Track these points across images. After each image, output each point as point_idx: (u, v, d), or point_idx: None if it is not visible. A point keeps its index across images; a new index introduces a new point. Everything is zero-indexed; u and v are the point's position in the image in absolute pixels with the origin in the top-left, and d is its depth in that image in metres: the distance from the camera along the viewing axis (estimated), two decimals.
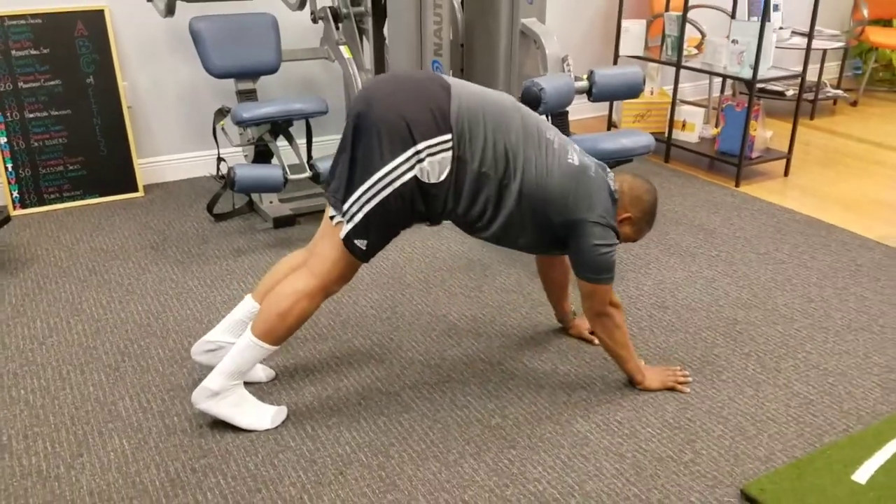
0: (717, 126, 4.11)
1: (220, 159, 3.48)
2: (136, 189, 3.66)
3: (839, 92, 5.11)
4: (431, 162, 1.84)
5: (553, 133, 2.03)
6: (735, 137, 3.95)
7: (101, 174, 3.58)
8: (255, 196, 3.48)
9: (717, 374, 2.31)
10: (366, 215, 1.86)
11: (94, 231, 3.27)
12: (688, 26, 4.10)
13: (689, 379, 2.28)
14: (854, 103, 5.29)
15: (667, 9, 4.44)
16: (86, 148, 3.54)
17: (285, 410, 2.11)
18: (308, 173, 3.21)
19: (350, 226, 1.87)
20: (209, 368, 2.15)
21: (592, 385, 2.26)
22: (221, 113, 3.42)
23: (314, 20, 3.54)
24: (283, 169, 3.14)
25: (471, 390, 2.23)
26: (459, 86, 1.92)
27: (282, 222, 3.36)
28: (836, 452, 1.95)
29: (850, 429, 2.07)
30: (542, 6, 3.13)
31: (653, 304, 2.70)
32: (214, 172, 3.90)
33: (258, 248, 3.13)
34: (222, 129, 3.43)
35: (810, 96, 4.99)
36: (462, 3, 3.44)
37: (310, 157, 3.48)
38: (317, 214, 3.48)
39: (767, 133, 4.08)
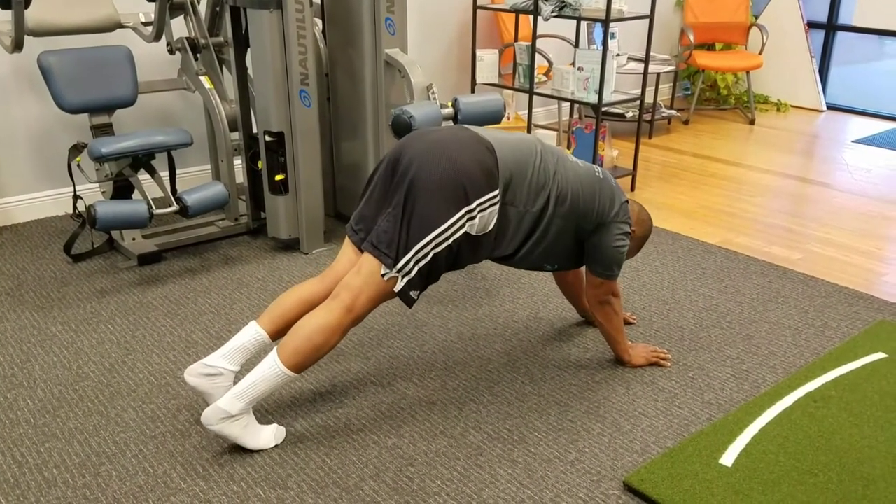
0: (569, 147, 4.37)
1: (76, 197, 3.32)
2: None
3: (673, 112, 5.57)
4: (482, 216, 2.04)
5: (573, 157, 2.28)
6: (586, 157, 4.22)
7: None
8: (115, 233, 3.34)
9: (591, 375, 2.47)
10: (420, 270, 2.01)
11: None
12: (536, 55, 4.35)
13: (669, 355, 2.57)
14: (686, 122, 5.78)
15: (515, 39, 4.69)
16: None
17: (283, 430, 2.15)
18: (175, 207, 3.13)
19: (405, 281, 2.02)
20: (186, 394, 2.11)
21: (481, 398, 2.35)
22: (77, 149, 3.27)
23: (171, 52, 3.47)
24: (148, 203, 3.05)
25: (364, 413, 2.26)
26: (498, 141, 2.12)
27: (147, 259, 3.25)
28: (702, 440, 2.14)
29: (712, 417, 2.28)
30: (404, 37, 3.23)
31: (527, 316, 2.85)
32: (71, 211, 3.71)
33: (123, 288, 3.01)
34: (78, 165, 3.28)
35: (648, 117, 5.41)
36: (324, 34, 3.49)
37: (174, 189, 3.39)
38: (185, 249, 3.39)
39: (614, 152, 4.39)
